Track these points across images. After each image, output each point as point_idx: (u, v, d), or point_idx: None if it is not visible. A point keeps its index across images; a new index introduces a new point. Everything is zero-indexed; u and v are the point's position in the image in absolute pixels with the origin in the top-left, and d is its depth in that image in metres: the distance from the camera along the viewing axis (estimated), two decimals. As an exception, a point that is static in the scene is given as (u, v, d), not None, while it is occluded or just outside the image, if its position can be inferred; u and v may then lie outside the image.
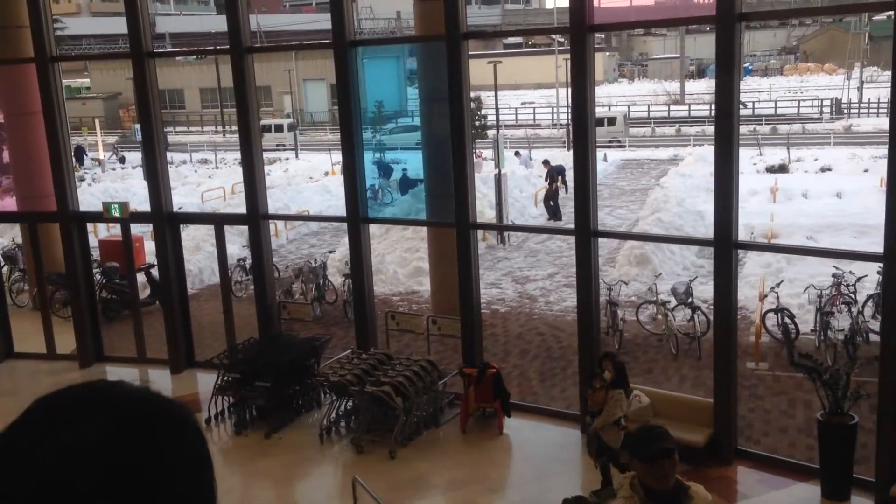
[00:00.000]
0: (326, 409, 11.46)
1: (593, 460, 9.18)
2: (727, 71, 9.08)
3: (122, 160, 39.00)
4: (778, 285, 13.48)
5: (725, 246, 9.32)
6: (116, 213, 13.48)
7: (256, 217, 12.63)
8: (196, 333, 14.17)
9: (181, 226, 13.96)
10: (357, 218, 11.99)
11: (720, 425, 9.69)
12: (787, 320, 12.64)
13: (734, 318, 9.70)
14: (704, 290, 15.22)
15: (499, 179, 21.31)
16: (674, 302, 13.76)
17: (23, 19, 14.82)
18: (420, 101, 14.53)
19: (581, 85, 10.06)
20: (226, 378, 11.72)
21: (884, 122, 32.99)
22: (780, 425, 10.70)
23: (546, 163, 25.68)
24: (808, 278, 14.72)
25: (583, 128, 10.21)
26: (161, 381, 13.46)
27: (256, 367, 11.56)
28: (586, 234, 10.29)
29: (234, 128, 47.56)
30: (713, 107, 10.16)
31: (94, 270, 15.31)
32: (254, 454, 10.90)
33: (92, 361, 14.00)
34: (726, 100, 9.09)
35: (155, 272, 16.47)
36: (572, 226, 10.71)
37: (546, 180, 24.98)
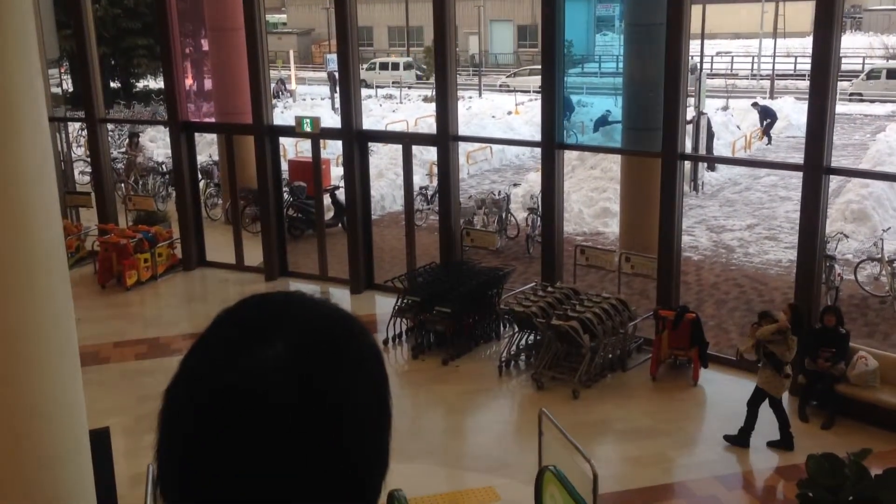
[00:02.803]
0: (507, 341, 10.93)
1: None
2: None
3: (278, 94, 34.74)
4: None
5: None
6: (308, 129, 13.42)
7: (446, 138, 12.15)
8: (376, 258, 14.03)
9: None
10: (552, 143, 11.25)
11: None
12: None
13: None
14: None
15: (698, 122, 19.81)
16: (903, 261, 12.13)
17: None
18: (626, 25, 13.55)
19: (829, 9, 8.83)
20: (406, 301, 11.43)
21: None
22: None
23: (755, 105, 24.26)
24: None
25: (825, 57, 8.99)
26: (341, 299, 13.44)
27: (438, 293, 11.18)
28: (817, 170, 9.04)
29: (421, 66, 47.15)
30: None
31: (283, 189, 15.48)
32: (430, 379, 10.58)
33: (276, 275, 14.19)
34: None
35: (340, 194, 16.51)
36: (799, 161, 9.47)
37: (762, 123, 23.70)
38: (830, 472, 4.40)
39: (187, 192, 14.72)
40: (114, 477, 5.92)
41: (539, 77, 11.95)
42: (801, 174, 9.59)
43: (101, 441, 5.87)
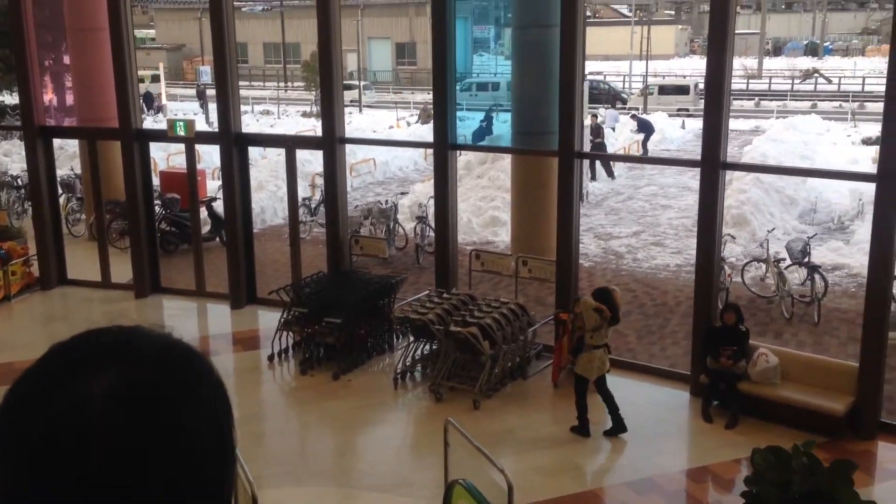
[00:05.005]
0: (402, 352, 10.35)
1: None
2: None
3: (157, 110, 34.31)
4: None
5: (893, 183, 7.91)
6: (182, 132, 12.49)
7: (332, 140, 11.52)
8: (258, 272, 13.18)
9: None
10: (445, 144, 10.80)
11: (865, 394, 8.32)
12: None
13: (891, 271, 8.28)
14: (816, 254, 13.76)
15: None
16: (788, 261, 12.32)
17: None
18: (513, 30, 13.45)
19: (722, 31, 8.86)
20: (292, 313, 10.68)
21: None
22: (926, 399, 9.28)
23: (634, 117, 24.84)
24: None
25: (720, 67, 9.02)
26: (221, 316, 12.53)
27: (326, 303, 10.49)
28: (714, 165, 8.96)
29: (298, 83, 46.18)
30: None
31: (155, 201, 14.39)
32: (320, 395, 9.86)
33: (148, 292, 13.11)
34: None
35: (217, 207, 15.55)
36: (697, 157, 9.40)
37: (638, 131, 24.30)
38: (777, 467, 4.05)
39: (45, 205, 13.44)
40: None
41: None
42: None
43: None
